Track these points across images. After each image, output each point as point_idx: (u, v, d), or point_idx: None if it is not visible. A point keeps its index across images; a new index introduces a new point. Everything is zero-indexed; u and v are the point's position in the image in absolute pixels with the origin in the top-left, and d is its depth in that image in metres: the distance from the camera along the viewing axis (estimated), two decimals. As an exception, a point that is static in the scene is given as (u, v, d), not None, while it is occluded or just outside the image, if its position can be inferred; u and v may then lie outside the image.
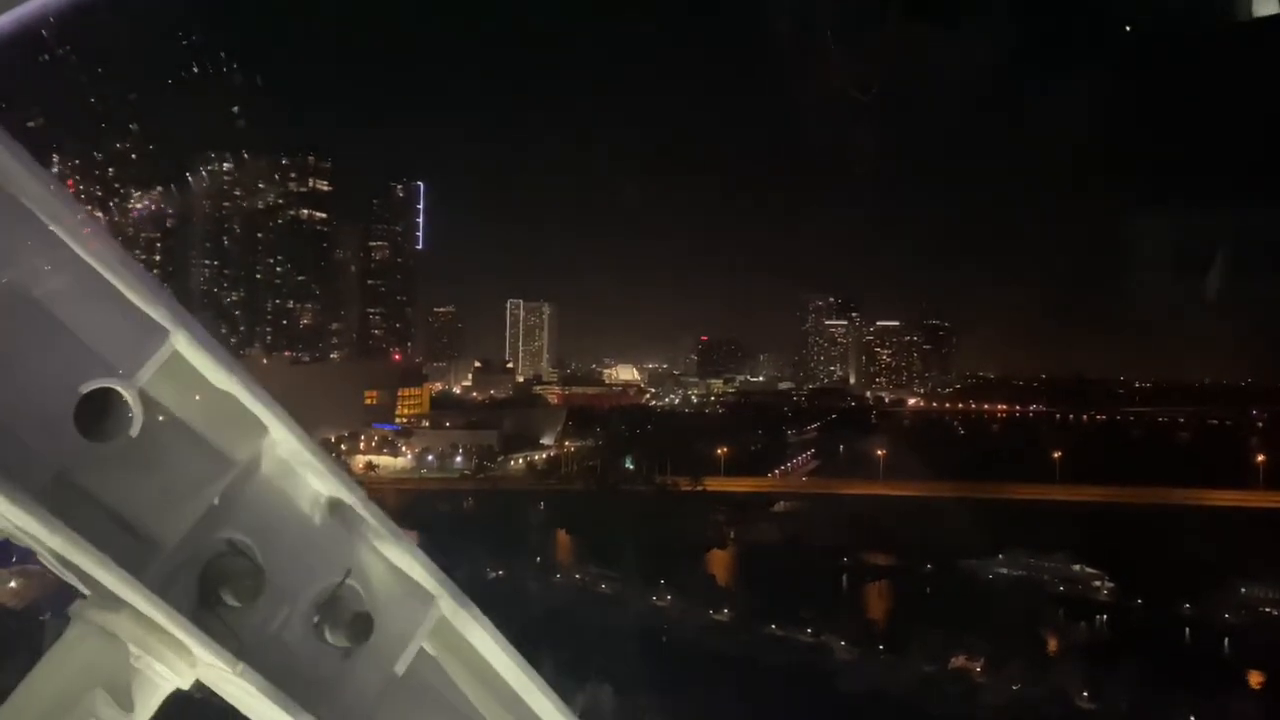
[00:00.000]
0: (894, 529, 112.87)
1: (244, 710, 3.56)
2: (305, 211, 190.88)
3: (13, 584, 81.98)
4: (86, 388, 2.84)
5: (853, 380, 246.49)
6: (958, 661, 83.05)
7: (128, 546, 2.94)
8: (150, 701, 3.16)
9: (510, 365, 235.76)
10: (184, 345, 3.03)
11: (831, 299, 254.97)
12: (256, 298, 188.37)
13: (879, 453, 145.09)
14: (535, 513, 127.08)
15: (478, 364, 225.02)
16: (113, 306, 2.91)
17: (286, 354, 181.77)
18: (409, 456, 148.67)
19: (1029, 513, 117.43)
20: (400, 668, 3.61)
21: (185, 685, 3.22)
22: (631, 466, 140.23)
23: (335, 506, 3.43)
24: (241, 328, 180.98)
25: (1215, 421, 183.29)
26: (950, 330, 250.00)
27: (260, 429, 3.24)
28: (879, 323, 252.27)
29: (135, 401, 2.93)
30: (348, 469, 3.29)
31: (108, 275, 2.89)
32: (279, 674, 3.18)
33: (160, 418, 3.06)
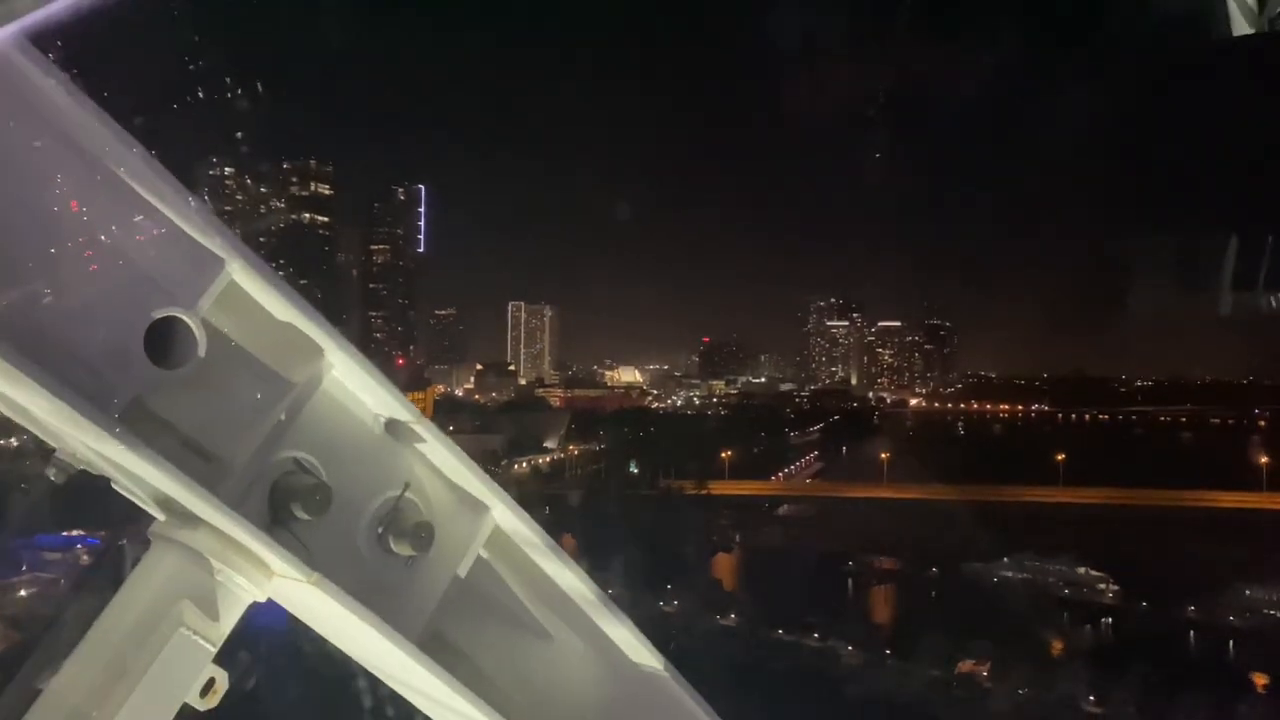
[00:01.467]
0: (898, 532, 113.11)
1: (314, 624, 3.77)
2: (307, 215, 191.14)
3: (22, 593, 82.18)
4: (153, 318, 2.94)
5: (854, 381, 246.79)
6: (965, 666, 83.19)
7: (202, 467, 3.08)
8: (233, 612, 3.31)
9: (512, 368, 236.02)
10: (240, 273, 3.13)
11: (833, 300, 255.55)
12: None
13: (882, 455, 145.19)
14: (540, 518, 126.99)
15: (479, 367, 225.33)
16: (171, 239, 3.00)
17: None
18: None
19: (1033, 515, 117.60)
20: (460, 573, 3.79)
21: (262, 597, 3.37)
22: (635, 470, 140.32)
23: (391, 423, 3.57)
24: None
25: (1217, 420, 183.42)
26: (951, 330, 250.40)
27: (317, 351, 3.34)
28: (881, 323, 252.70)
29: (199, 329, 3.03)
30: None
31: (164, 209, 2.98)
32: (348, 582, 3.31)
33: (222, 344, 3.16)
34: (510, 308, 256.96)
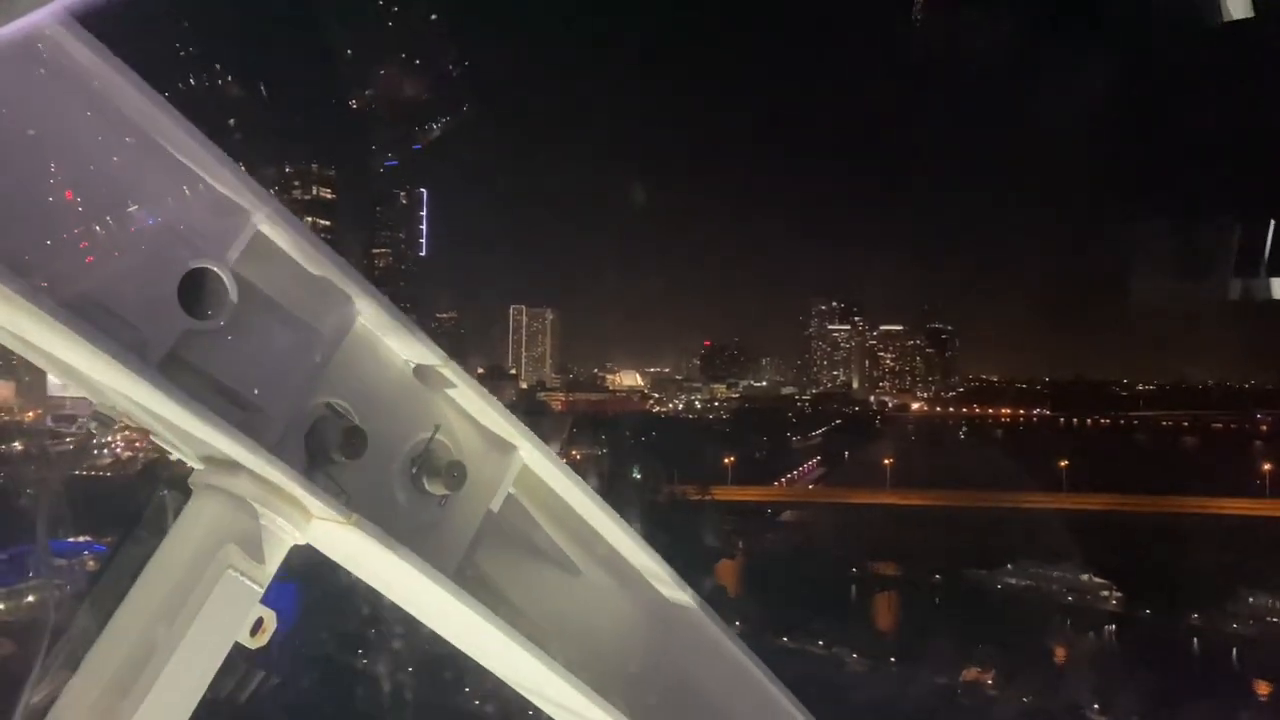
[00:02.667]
0: (901, 538, 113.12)
1: (352, 566, 3.88)
2: (309, 219, 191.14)
3: (30, 599, 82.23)
4: (185, 270, 3.00)
5: (855, 385, 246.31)
6: (969, 673, 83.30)
7: (239, 415, 3.15)
8: (276, 554, 3.40)
9: (514, 371, 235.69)
10: (266, 225, 3.21)
11: (834, 303, 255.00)
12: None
13: (885, 460, 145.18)
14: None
15: (480, 370, 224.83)
16: (199, 193, 3.07)
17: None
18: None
19: (1035, 521, 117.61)
20: (494, 508, 3.93)
21: (303, 540, 3.47)
22: (639, 475, 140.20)
23: (420, 369, 3.67)
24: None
25: (1219, 425, 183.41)
26: (953, 334, 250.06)
27: (346, 299, 3.42)
28: (882, 327, 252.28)
29: (229, 280, 3.09)
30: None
31: (192, 164, 3.05)
32: (385, 522, 3.42)
33: (252, 294, 3.21)
34: (512, 311, 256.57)
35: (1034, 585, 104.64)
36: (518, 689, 4.62)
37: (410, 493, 3.66)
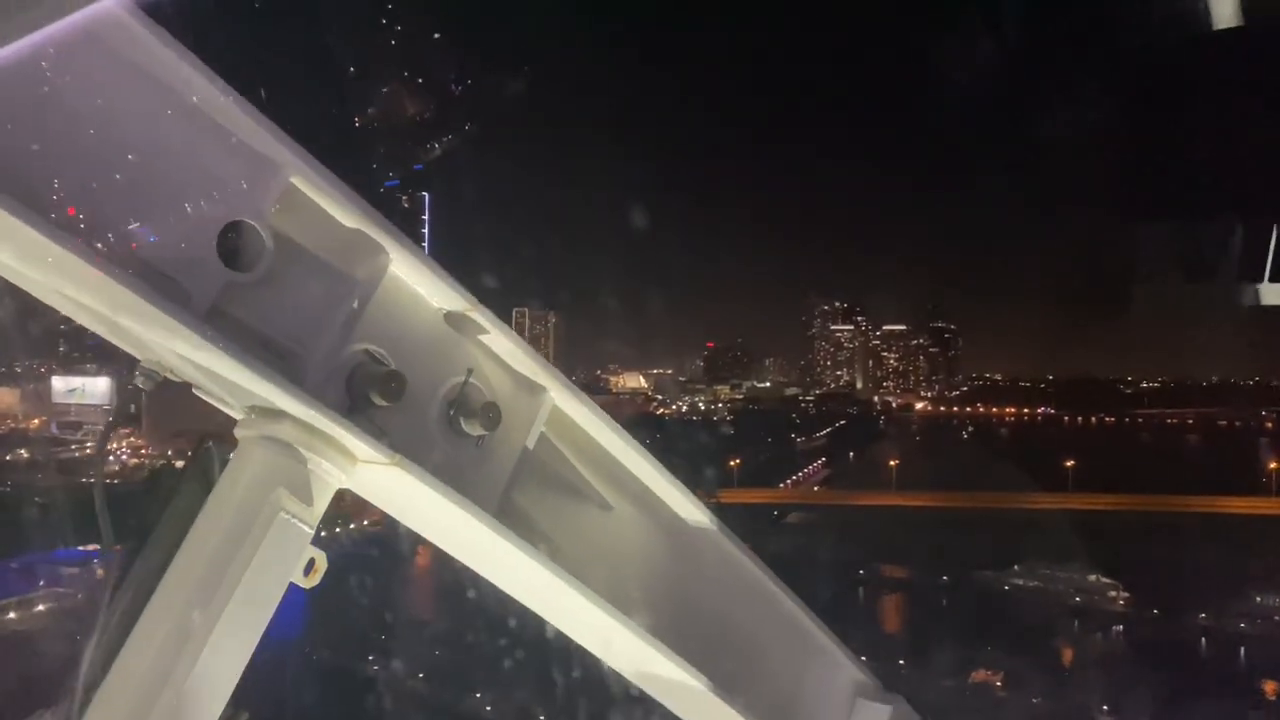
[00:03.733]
0: (908, 540, 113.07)
1: (394, 510, 4.00)
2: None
3: (40, 608, 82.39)
4: (222, 224, 3.05)
5: (859, 385, 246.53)
6: (978, 675, 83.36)
7: (281, 363, 3.20)
8: (324, 496, 3.50)
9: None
10: (299, 178, 3.26)
11: (837, 303, 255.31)
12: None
13: (890, 461, 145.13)
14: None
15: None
16: (234, 149, 3.11)
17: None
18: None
19: (1042, 521, 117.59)
20: (529, 445, 4.04)
21: (349, 483, 3.56)
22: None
23: (451, 314, 3.75)
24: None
25: (1224, 423, 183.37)
26: (957, 333, 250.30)
27: (378, 248, 3.47)
28: (885, 327, 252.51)
29: (266, 233, 3.14)
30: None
31: (225, 122, 3.09)
32: (426, 462, 3.53)
33: (288, 246, 3.26)
34: (514, 314, 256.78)
35: (1042, 586, 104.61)
36: (556, 624, 4.75)
37: (448, 434, 3.74)
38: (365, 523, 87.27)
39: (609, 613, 4.25)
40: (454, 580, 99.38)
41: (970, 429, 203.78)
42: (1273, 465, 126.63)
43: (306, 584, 3.44)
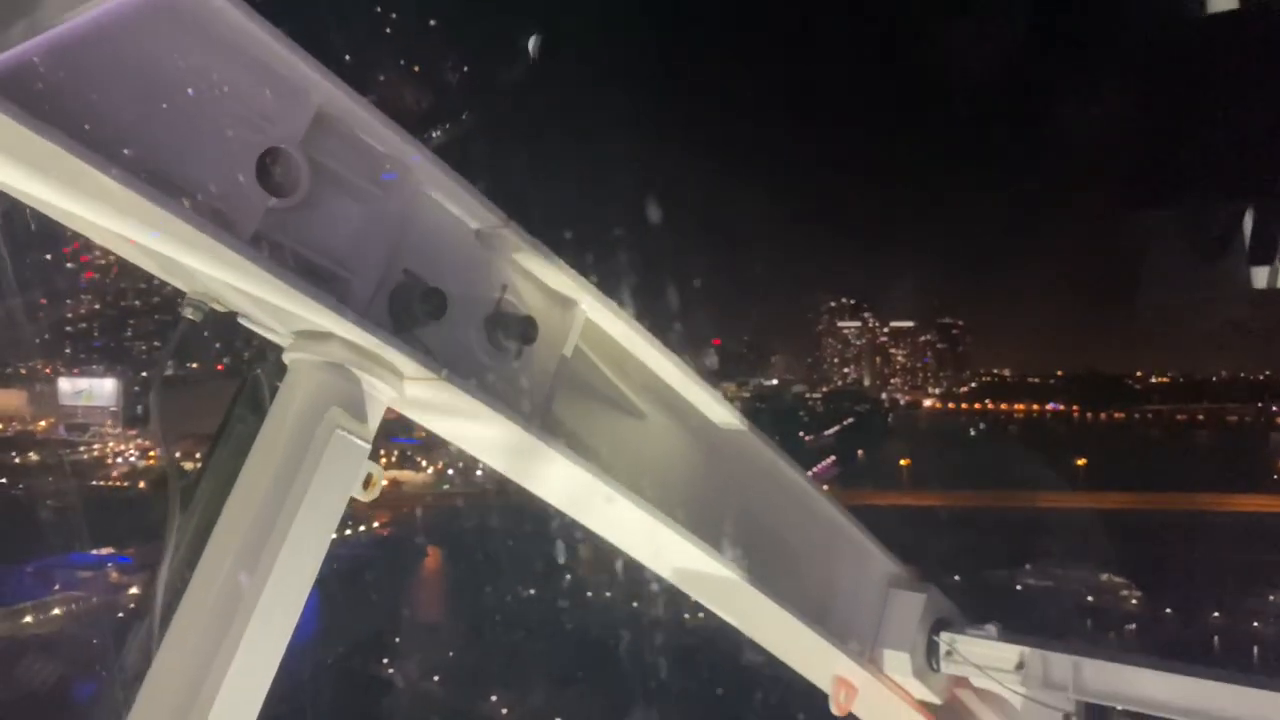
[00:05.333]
0: (919, 539, 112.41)
1: (440, 425, 4.13)
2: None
3: (56, 611, 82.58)
4: (260, 151, 3.12)
5: (867, 382, 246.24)
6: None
7: (325, 285, 3.29)
8: (376, 413, 3.61)
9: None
10: (328, 102, 3.32)
11: (844, 300, 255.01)
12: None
13: (900, 460, 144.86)
14: (562, 527, 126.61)
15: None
16: (267, 77, 3.15)
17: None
18: (430, 472, 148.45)
19: (1053, 520, 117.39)
20: (567, 353, 4.16)
21: (397, 400, 3.66)
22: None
23: (482, 231, 3.84)
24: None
25: (1234, 418, 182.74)
26: (964, 329, 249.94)
27: (409, 169, 3.54)
28: (893, 323, 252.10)
29: (301, 158, 3.21)
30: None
31: (258, 52, 3.13)
32: (470, 378, 3.66)
33: (323, 171, 3.32)
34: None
35: (1054, 585, 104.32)
36: (598, 531, 4.93)
37: (488, 349, 3.85)
38: (376, 525, 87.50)
39: (651, 514, 4.43)
40: (465, 580, 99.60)
41: (980, 426, 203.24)
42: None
43: (365, 497, 3.55)
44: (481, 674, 80.00)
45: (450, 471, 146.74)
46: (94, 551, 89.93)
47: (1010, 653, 6.19)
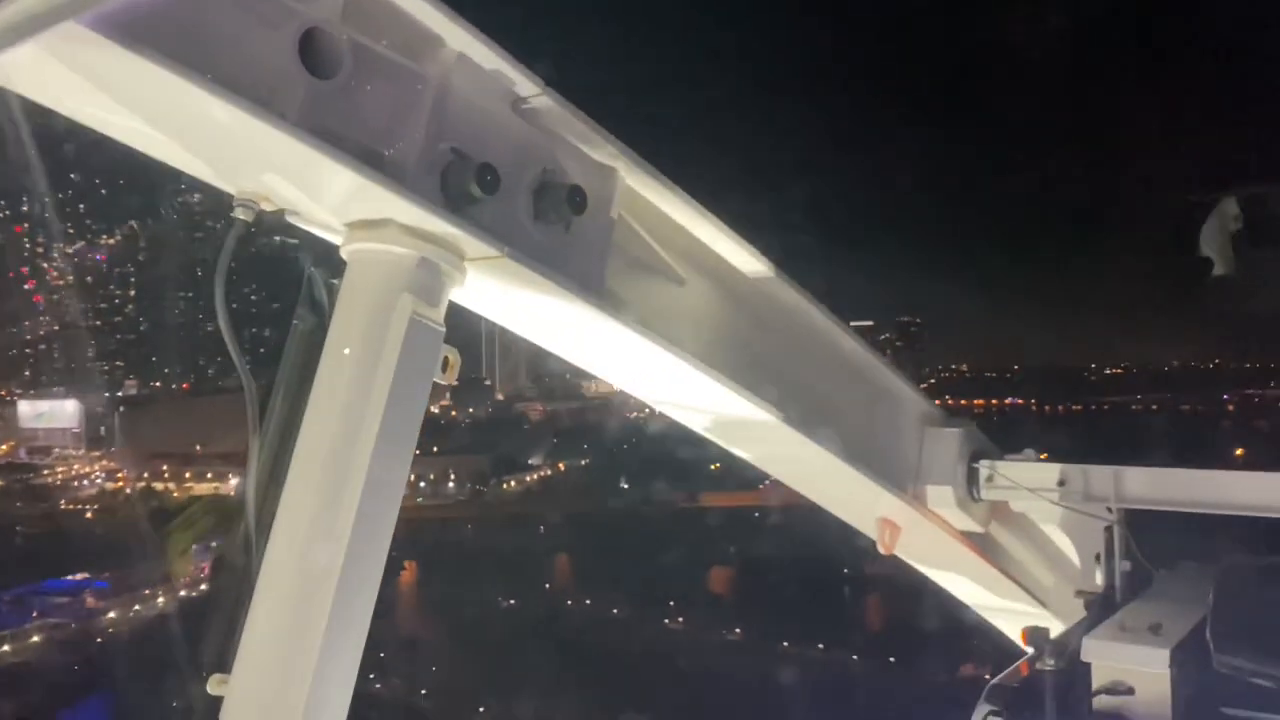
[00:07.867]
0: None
1: (498, 307, 4.11)
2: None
3: (35, 639, 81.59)
4: (300, 33, 2.99)
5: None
6: (966, 669, 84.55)
7: (378, 166, 3.19)
8: (445, 295, 3.54)
9: (489, 382, 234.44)
10: None
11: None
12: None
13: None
14: (536, 538, 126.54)
15: (456, 382, 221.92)
16: None
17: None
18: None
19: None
20: (614, 216, 4.09)
21: (463, 282, 3.60)
22: (626, 485, 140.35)
23: (520, 101, 3.71)
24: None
25: (1187, 407, 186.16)
26: (923, 327, 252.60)
27: (444, 42, 3.43)
28: (852, 323, 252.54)
29: (341, 37, 3.09)
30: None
31: None
32: (529, 252, 3.61)
33: (362, 51, 3.18)
34: (484, 321, 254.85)
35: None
36: (653, 402, 5.19)
37: (538, 223, 3.74)
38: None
39: (710, 376, 4.54)
40: (444, 593, 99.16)
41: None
42: (1238, 451, 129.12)
43: (446, 380, 3.54)
44: (466, 686, 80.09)
45: (423, 485, 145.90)
46: (69, 577, 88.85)
47: (1050, 472, 6.38)
